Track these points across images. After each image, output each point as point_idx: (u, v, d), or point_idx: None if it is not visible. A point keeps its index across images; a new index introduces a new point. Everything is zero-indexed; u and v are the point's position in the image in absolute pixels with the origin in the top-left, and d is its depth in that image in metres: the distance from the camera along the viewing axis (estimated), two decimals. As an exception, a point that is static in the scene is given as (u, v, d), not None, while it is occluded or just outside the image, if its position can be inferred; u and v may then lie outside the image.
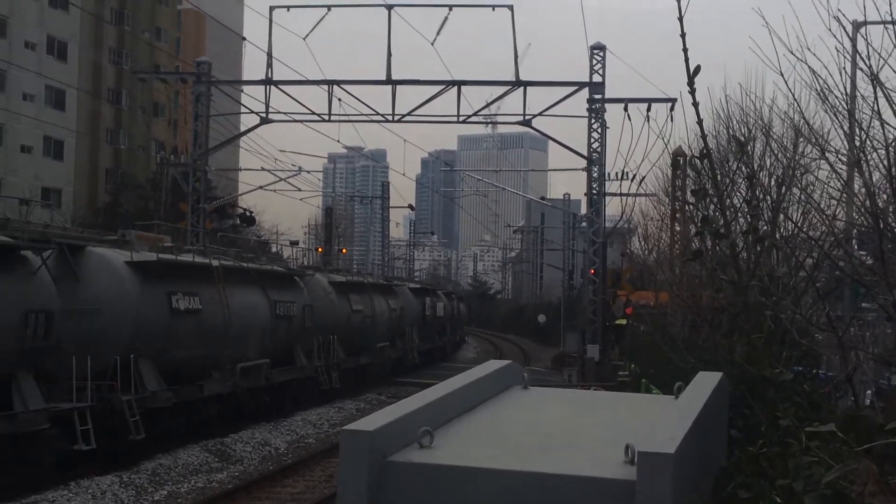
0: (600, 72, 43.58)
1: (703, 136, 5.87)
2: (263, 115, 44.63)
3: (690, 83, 5.45)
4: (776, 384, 5.39)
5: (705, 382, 4.55)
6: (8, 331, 21.55)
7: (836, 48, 9.01)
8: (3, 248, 22.36)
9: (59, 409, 22.84)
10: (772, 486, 4.05)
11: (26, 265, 23.12)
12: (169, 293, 27.95)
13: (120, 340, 25.39)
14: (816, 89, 9.61)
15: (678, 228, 29.42)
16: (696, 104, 5.57)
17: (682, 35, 5.49)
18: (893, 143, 8.95)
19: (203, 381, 29.68)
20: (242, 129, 49.38)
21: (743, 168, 14.61)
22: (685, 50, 5.47)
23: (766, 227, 13.15)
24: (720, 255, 5.79)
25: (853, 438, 3.22)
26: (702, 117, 5.77)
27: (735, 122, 17.22)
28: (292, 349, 37.49)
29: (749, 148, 15.90)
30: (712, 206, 6.57)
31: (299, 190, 57.38)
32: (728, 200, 8.40)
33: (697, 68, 5.47)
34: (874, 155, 9.43)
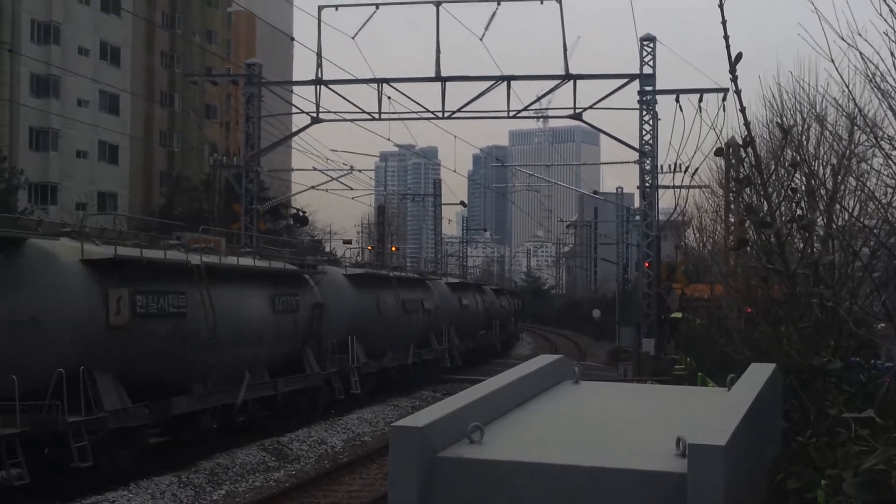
0: (650, 63, 43.32)
1: (746, 124, 5.81)
2: (314, 114, 44.81)
3: (732, 70, 5.39)
4: (825, 373, 5.32)
5: (758, 374, 4.50)
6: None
7: (886, 33, 8.89)
8: None
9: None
10: (821, 476, 4.00)
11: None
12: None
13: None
14: (868, 75, 9.49)
15: (732, 220, 29.22)
16: (738, 91, 5.51)
17: (723, 22, 5.44)
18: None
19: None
20: (294, 129, 49.63)
21: (788, 152, 14.48)
22: (726, 37, 5.41)
23: (808, 215, 13.04)
24: (765, 244, 5.73)
25: (893, 425, 3.17)
26: (745, 105, 5.72)
27: (787, 112, 17.09)
28: (428, 337, 46.52)
29: (800, 135, 15.75)
30: (756, 196, 6.51)
31: (351, 189, 57.53)
32: (775, 191, 8.32)
33: (739, 56, 5.41)
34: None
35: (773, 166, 9.87)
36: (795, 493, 4.09)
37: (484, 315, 63.48)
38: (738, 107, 5.60)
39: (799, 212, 6.78)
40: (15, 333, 21.16)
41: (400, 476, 3.58)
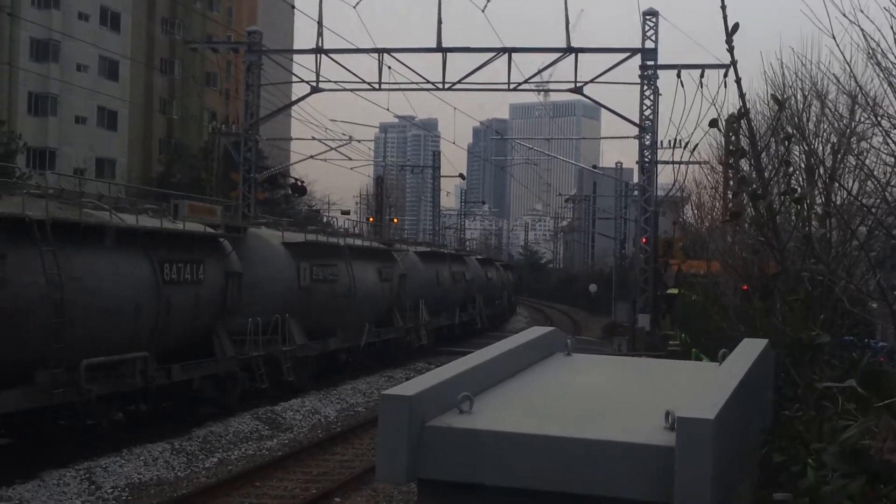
0: (653, 38, 43.19)
1: (742, 95, 5.78)
2: (314, 84, 44.67)
3: (729, 41, 5.36)
4: (814, 347, 5.32)
5: (750, 349, 4.49)
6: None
7: (887, 9, 8.86)
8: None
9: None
10: (807, 449, 4.00)
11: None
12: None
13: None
14: (869, 52, 9.47)
15: (731, 196, 29.18)
16: (734, 61, 5.48)
17: (720, -9, 5.41)
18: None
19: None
20: (293, 98, 49.51)
21: (788, 129, 14.46)
22: (723, 6, 5.37)
23: (802, 188, 13.02)
24: (758, 216, 5.71)
25: (874, 395, 3.17)
26: (741, 77, 5.68)
27: (788, 88, 17.05)
28: (467, 302, 47.25)
29: (800, 112, 15.71)
30: (750, 167, 6.50)
31: (350, 159, 57.45)
32: (778, 165, 8.29)
33: (736, 26, 5.37)
34: (929, 119, 9.28)
35: (769, 139, 9.84)
36: (782, 467, 4.10)
37: (500, 286, 72.15)
38: (735, 77, 5.57)
39: (794, 185, 6.77)
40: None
41: (388, 444, 3.57)
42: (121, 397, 23.80)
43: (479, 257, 72.53)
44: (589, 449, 3.34)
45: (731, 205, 27.21)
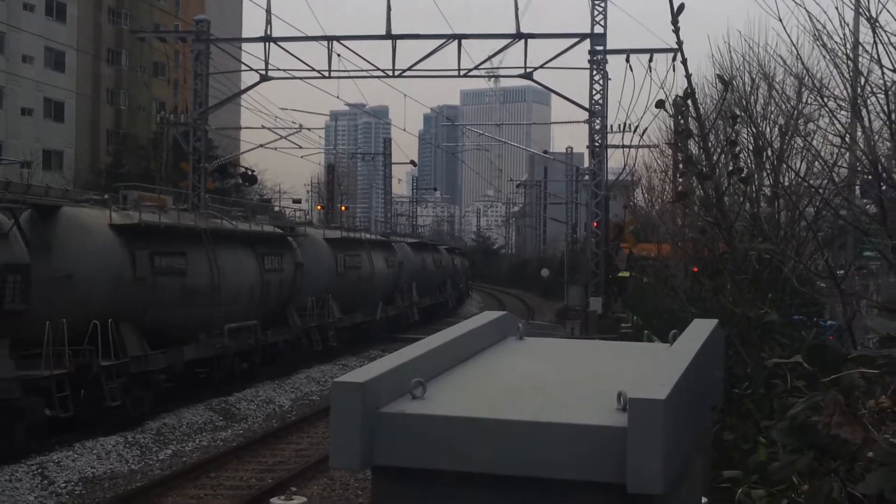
0: (601, 23, 43.34)
1: (688, 76, 5.81)
2: (263, 72, 44.44)
3: (674, 22, 5.38)
4: (762, 326, 5.37)
5: (700, 329, 4.51)
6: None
7: (834, -8, 8.94)
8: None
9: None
10: (757, 427, 4.04)
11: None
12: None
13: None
14: (815, 34, 9.55)
15: (680, 180, 29.39)
16: (679, 43, 5.51)
17: (666, -30, 5.43)
18: (893, 88, 8.89)
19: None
20: (243, 87, 49.19)
21: (733, 109, 14.56)
22: (668, -14, 5.41)
23: (767, 177, 13.12)
24: (704, 196, 5.75)
25: (820, 370, 3.20)
26: (686, 57, 5.71)
27: (736, 71, 17.16)
28: (443, 285, 55.83)
29: (748, 94, 15.83)
30: (698, 147, 6.54)
31: (300, 148, 57.17)
32: (727, 146, 8.35)
33: (681, 6, 5.39)
34: (874, 100, 9.37)
35: (715, 120, 9.90)
36: (733, 445, 4.14)
37: (462, 272, 79.96)
38: (681, 58, 5.60)
39: (741, 165, 6.82)
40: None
41: (341, 432, 3.56)
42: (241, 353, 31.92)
43: (446, 247, 79.54)
44: (542, 432, 3.34)
45: (679, 186, 27.41)
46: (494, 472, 3.42)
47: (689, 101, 5.52)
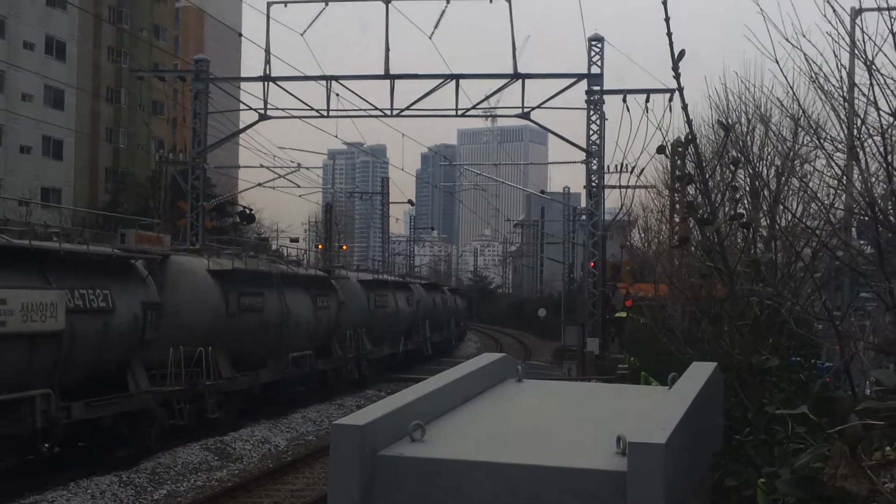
0: (598, 63, 43.50)
1: (688, 121, 5.83)
2: (262, 111, 44.57)
3: (675, 67, 5.41)
4: (762, 371, 5.36)
5: (699, 372, 4.52)
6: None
7: (830, 34, 8.98)
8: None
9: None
10: (758, 473, 4.02)
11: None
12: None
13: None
14: (812, 76, 9.58)
15: (677, 220, 29.41)
16: (680, 88, 5.53)
17: (667, 19, 5.45)
18: (889, 131, 8.92)
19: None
20: (241, 126, 49.32)
21: (733, 153, 14.59)
22: (669, 34, 5.42)
23: (753, 214, 13.14)
24: (706, 241, 5.76)
25: (825, 421, 3.20)
26: (687, 103, 5.74)
27: (732, 112, 17.21)
28: (447, 322, 57.09)
29: (744, 135, 15.88)
30: (698, 192, 6.56)
31: (299, 186, 57.31)
32: (725, 189, 8.37)
33: (682, 53, 5.42)
34: (870, 142, 9.40)
35: (716, 165, 9.94)
36: (734, 491, 4.12)
37: (459, 310, 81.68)
38: (682, 104, 5.62)
39: (741, 210, 6.83)
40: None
41: (340, 475, 3.56)
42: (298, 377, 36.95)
43: (449, 287, 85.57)
44: (541, 475, 3.34)
45: (677, 230, 27.44)
46: (494, 516, 3.41)
47: (690, 147, 5.54)
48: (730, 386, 5.56)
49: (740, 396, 5.37)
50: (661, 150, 6.25)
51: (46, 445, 22.70)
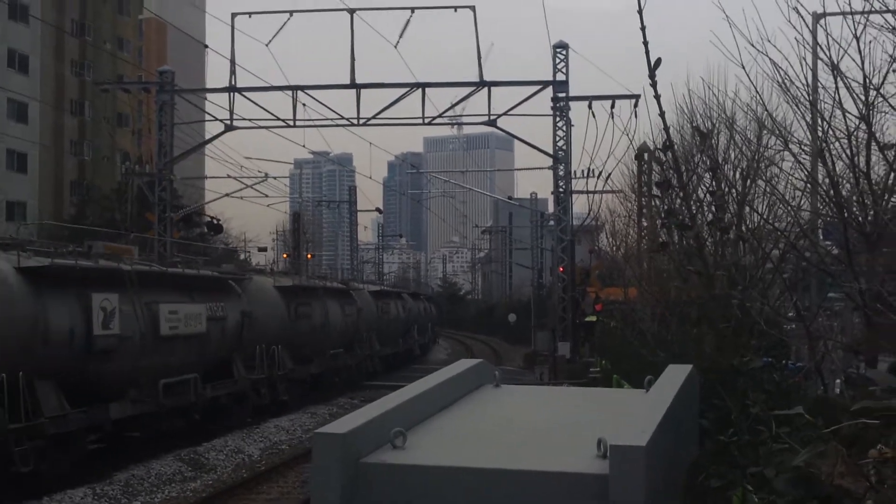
0: (563, 70, 43.70)
1: (666, 129, 5.90)
2: (228, 122, 44.51)
3: (652, 76, 5.46)
4: (745, 373, 5.41)
5: (675, 375, 4.57)
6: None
7: (795, 39, 9.09)
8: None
9: None
10: (743, 474, 4.07)
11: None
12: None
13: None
14: (778, 81, 9.68)
15: (645, 224, 29.56)
16: (657, 96, 5.59)
17: (643, 28, 5.50)
18: (855, 133, 9.03)
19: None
20: (207, 137, 49.22)
21: (706, 160, 14.69)
22: (646, 43, 5.47)
23: (731, 219, 13.23)
24: (686, 246, 5.83)
25: (821, 422, 3.25)
26: (664, 110, 5.80)
27: (698, 117, 17.34)
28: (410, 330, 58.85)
29: (713, 141, 16.00)
30: (677, 199, 6.62)
31: (266, 196, 57.30)
32: (693, 194, 8.46)
33: (658, 61, 5.48)
34: (836, 144, 9.51)
35: (694, 173, 10.03)
36: (718, 492, 4.17)
37: (424, 317, 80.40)
38: (658, 111, 5.68)
39: (720, 215, 6.90)
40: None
41: (323, 483, 3.57)
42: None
43: (410, 293, 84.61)
44: (523, 480, 3.37)
45: (644, 233, 27.56)
46: (477, 522, 3.44)
47: (668, 153, 5.60)
48: (711, 388, 5.61)
49: (722, 398, 5.43)
50: (639, 156, 6.33)
51: (197, 416, 29.93)
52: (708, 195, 7.85)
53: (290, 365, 38.17)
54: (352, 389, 45.21)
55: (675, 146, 19.67)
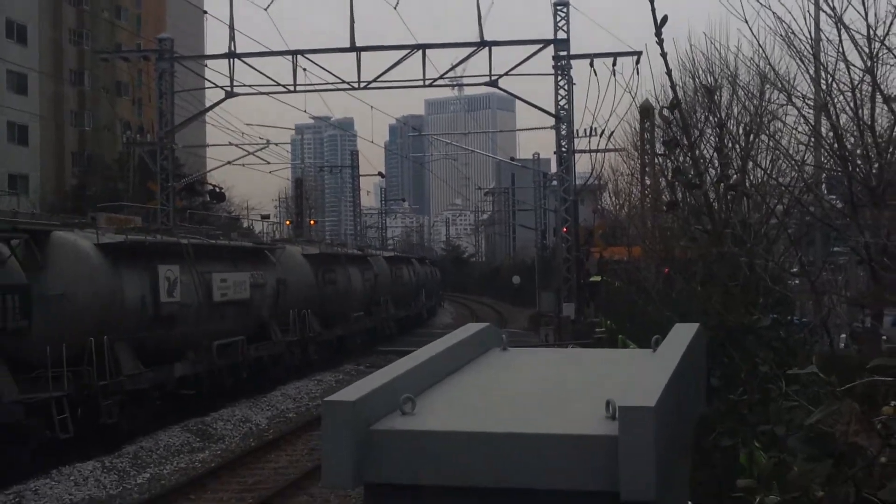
0: (564, 28, 43.48)
1: (673, 86, 5.85)
2: (228, 88, 44.35)
3: (658, 34, 5.41)
4: (754, 331, 5.40)
5: (682, 334, 4.54)
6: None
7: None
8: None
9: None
10: (753, 432, 4.07)
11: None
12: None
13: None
14: (781, 34, 9.63)
15: (648, 182, 29.50)
16: (664, 54, 5.55)
17: (652, -16, 5.45)
18: (859, 85, 8.98)
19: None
20: (208, 104, 49.06)
21: (711, 118, 14.62)
22: (652, 1, 5.42)
23: (736, 175, 13.18)
24: (693, 204, 5.80)
25: (834, 379, 3.24)
26: (671, 68, 5.75)
27: (701, 72, 17.25)
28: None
29: (717, 97, 15.91)
30: (683, 157, 6.58)
31: (268, 163, 57.21)
32: (698, 151, 8.41)
33: (665, 18, 5.43)
34: (840, 98, 9.45)
35: (698, 130, 9.99)
36: (729, 450, 4.17)
37: (431, 281, 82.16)
38: (665, 69, 5.64)
39: (716, 171, 6.87)
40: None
41: (333, 451, 3.56)
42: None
43: (418, 258, 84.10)
44: (533, 443, 3.36)
45: (648, 191, 27.51)
46: (487, 486, 3.43)
47: (676, 112, 5.56)
48: (719, 346, 5.60)
49: (732, 357, 5.42)
50: (644, 113, 6.29)
51: (245, 374, 32.52)
52: (713, 152, 7.81)
53: (318, 328, 40.71)
54: (365, 354, 45.47)
55: (680, 102, 19.60)
